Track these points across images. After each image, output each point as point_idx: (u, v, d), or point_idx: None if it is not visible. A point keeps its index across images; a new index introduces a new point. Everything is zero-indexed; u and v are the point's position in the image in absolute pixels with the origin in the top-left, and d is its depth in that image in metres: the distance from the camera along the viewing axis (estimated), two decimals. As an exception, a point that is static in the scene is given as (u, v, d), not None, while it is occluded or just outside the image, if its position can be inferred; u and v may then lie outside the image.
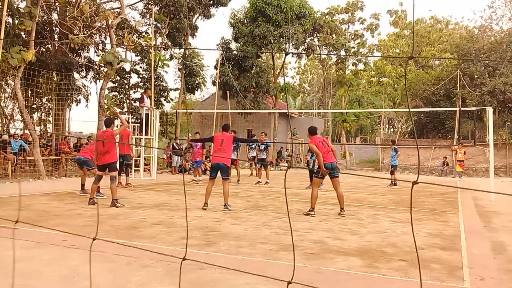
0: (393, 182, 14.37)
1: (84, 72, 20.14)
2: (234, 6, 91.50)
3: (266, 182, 13.29)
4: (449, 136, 31.48)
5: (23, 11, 13.66)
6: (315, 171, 8.27)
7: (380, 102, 34.68)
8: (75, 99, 19.68)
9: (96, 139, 10.05)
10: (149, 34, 20.42)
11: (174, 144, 19.00)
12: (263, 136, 14.31)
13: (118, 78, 22.22)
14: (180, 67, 24.28)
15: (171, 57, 24.78)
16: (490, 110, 12.03)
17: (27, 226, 5.78)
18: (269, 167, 14.71)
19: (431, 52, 33.67)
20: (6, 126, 17.55)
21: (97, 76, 20.39)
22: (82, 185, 9.63)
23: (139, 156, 15.40)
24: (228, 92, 24.78)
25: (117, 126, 9.84)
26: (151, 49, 18.23)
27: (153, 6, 20.37)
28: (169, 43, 23.06)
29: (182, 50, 24.57)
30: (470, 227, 6.75)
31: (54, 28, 17.15)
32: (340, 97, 31.41)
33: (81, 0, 15.07)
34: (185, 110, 29.66)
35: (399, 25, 32.89)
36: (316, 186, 7.54)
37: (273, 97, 27.83)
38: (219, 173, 7.70)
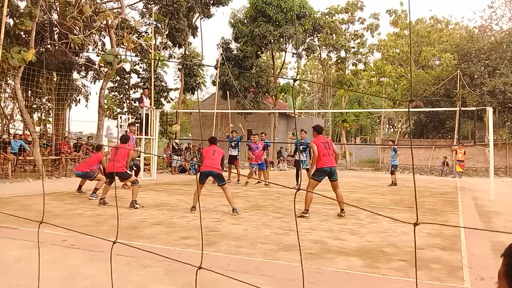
0: (393, 182, 14.38)
1: (84, 72, 20.15)
2: (234, 6, 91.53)
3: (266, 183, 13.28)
4: (449, 136, 31.48)
5: (23, 11, 13.66)
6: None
7: (380, 102, 34.68)
8: (74, 99, 19.69)
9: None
10: (149, 34, 20.42)
11: (174, 144, 19.00)
12: (263, 137, 14.34)
13: (118, 78, 22.22)
14: (180, 67, 24.28)
15: (170, 57, 24.78)
16: (490, 110, 12.03)
17: (27, 226, 5.78)
18: (269, 167, 14.67)
19: (431, 52, 33.67)
20: (6, 126, 17.54)
21: (97, 76, 20.40)
22: (80, 186, 9.63)
23: (138, 157, 15.39)
24: (228, 92, 24.79)
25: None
26: (151, 49, 18.22)
27: (153, 6, 20.38)
28: (169, 43, 23.07)
29: (182, 50, 24.58)
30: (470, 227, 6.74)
31: (54, 28, 17.14)
32: (340, 97, 31.42)
33: (81, 0, 15.08)
34: (185, 110, 29.67)
35: (399, 24, 32.90)
36: (310, 188, 7.26)
37: (273, 97, 27.83)
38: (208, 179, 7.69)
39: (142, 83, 23.41)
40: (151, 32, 18.25)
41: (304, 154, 12.26)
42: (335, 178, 7.28)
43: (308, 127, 14.35)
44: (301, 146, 12.49)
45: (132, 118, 19.27)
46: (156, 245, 4.90)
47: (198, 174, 8.58)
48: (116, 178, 8.61)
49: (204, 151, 7.92)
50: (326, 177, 7.38)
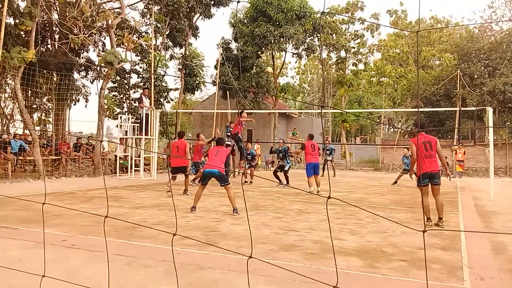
0: (396, 181, 14.56)
1: (84, 72, 20.17)
2: (234, 6, 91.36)
3: (250, 181, 13.78)
4: (449, 136, 31.49)
5: (23, 11, 13.68)
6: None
7: (380, 102, 34.70)
8: (74, 98, 19.71)
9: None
10: (149, 34, 20.43)
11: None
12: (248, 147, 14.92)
13: (118, 78, 22.23)
14: (180, 67, 24.29)
15: (171, 57, 24.81)
16: (490, 110, 12.03)
17: (27, 226, 5.79)
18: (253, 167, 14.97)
19: (431, 52, 33.69)
20: (6, 126, 17.56)
21: (97, 76, 20.42)
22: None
23: (139, 156, 15.42)
24: (228, 92, 24.80)
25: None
26: (150, 49, 18.24)
27: (153, 6, 20.39)
28: (170, 43, 23.08)
29: (182, 51, 24.57)
30: (470, 227, 6.75)
31: (54, 28, 17.16)
32: (340, 97, 31.43)
33: (81, 0, 15.08)
34: (185, 110, 29.66)
35: (399, 24, 32.92)
36: (425, 195, 6.41)
37: (273, 97, 27.84)
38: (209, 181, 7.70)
39: (142, 83, 23.43)
40: (151, 32, 18.26)
41: (285, 160, 12.98)
42: (436, 181, 6.46)
43: (308, 127, 14.43)
44: (280, 154, 13.14)
45: (132, 118, 19.31)
46: (157, 245, 4.91)
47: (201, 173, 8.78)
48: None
49: (208, 152, 8.08)
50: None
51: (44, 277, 2.27)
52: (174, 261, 3.75)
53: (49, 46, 17.86)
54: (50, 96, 17.99)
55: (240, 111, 14.28)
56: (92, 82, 20.63)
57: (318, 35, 28.59)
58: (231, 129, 13.79)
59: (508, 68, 25.86)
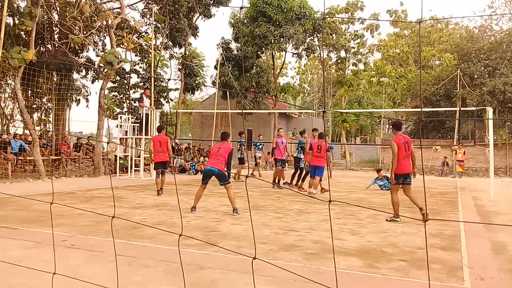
0: None
1: (84, 72, 20.16)
2: (235, 6, 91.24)
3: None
4: (449, 136, 31.49)
5: (23, 11, 13.68)
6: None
7: (380, 102, 34.71)
8: (74, 99, 19.70)
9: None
10: (149, 34, 20.43)
11: (173, 144, 18.99)
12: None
13: (118, 78, 22.23)
14: (180, 67, 24.29)
15: (171, 57, 24.82)
16: (490, 110, 12.03)
17: (27, 226, 5.79)
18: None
19: (431, 52, 33.69)
20: (6, 126, 17.55)
21: (97, 76, 20.42)
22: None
23: (139, 156, 15.42)
24: (228, 92, 24.81)
25: None
26: (151, 49, 18.23)
27: (153, 6, 20.39)
28: (169, 43, 23.10)
29: (182, 50, 24.58)
30: (470, 227, 6.74)
31: (54, 28, 17.16)
32: (340, 97, 31.44)
33: (81, 0, 15.08)
34: (185, 110, 29.66)
35: (399, 24, 32.94)
36: (394, 192, 6.86)
37: (273, 97, 27.87)
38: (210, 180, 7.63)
39: (142, 83, 23.44)
40: (151, 32, 18.26)
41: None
42: (408, 181, 6.85)
43: (308, 127, 14.37)
44: (260, 146, 15.02)
45: (132, 118, 19.29)
46: (157, 245, 4.91)
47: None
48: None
49: (211, 149, 7.91)
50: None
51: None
52: (181, 261, 3.76)
53: (49, 46, 17.85)
54: (50, 96, 17.98)
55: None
56: (91, 83, 20.64)
57: (318, 35, 28.61)
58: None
59: (508, 68, 25.86)
